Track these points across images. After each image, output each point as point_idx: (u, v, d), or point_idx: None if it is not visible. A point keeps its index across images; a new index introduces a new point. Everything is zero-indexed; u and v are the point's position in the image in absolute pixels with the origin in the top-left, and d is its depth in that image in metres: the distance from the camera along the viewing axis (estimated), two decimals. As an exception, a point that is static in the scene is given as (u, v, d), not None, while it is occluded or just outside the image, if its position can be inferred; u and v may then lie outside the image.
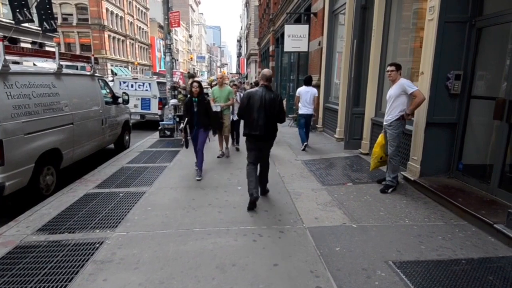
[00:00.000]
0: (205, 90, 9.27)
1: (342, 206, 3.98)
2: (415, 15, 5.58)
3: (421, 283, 2.45)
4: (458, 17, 4.18)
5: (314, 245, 3.05)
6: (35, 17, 13.82)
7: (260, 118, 3.90)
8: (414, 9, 5.64)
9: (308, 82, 7.36)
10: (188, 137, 5.23)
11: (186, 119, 5.03)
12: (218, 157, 6.53)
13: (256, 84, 8.89)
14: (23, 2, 12.36)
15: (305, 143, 7.22)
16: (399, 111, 4.22)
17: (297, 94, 7.42)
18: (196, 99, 4.97)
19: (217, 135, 6.35)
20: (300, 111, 7.24)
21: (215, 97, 6.51)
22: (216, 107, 6.15)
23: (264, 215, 3.75)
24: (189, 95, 5.15)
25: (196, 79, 7.47)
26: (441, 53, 4.23)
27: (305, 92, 7.17)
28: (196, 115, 5.01)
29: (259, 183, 4.07)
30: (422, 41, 4.51)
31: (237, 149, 7.35)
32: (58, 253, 2.91)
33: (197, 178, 5.06)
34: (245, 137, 4.14)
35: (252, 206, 3.87)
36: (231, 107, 6.83)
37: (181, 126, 5.31)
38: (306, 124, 7.31)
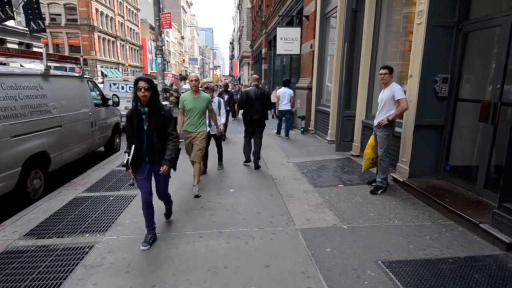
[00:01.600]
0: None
1: (333, 207, 4.02)
2: (404, 19, 5.69)
3: (409, 282, 2.50)
4: (445, 22, 4.28)
5: (306, 246, 3.07)
6: (22, 17, 13.57)
7: (257, 106, 5.64)
8: (403, 13, 5.76)
9: (286, 84, 9.43)
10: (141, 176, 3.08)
11: (133, 146, 2.96)
12: (195, 197, 4.43)
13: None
14: (5, 0, 12.09)
15: (286, 136, 9.10)
16: (387, 115, 4.29)
17: (277, 94, 9.38)
18: (147, 108, 2.93)
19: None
20: (280, 108, 9.20)
21: (188, 108, 4.48)
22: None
23: (256, 217, 3.76)
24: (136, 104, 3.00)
25: (187, 81, 7.43)
26: (429, 56, 4.32)
27: (283, 93, 9.13)
28: (147, 137, 2.96)
29: (253, 158, 5.90)
30: (411, 44, 4.60)
31: (221, 166, 5.90)
32: (47, 258, 2.86)
33: (142, 248, 3.01)
34: (244, 123, 5.89)
35: (247, 163, 6.05)
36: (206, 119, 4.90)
37: (125, 160, 3.02)
38: (285, 118, 9.19)
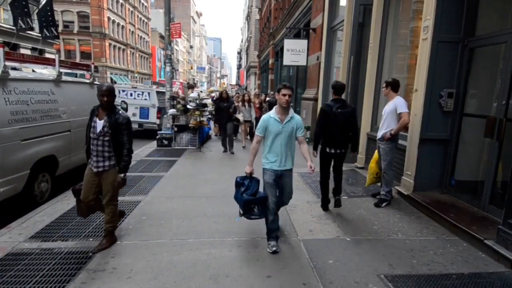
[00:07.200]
0: (204, 101, 9.41)
1: (337, 219, 4.01)
2: (410, 33, 5.75)
3: (412, 298, 2.47)
4: (451, 37, 4.32)
5: (308, 257, 3.06)
6: (36, 24, 14.01)
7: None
8: (409, 27, 5.82)
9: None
10: None
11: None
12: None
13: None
14: (25, 10, 12.57)
15: None
16: (390, 128, 4.30)
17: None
18: None
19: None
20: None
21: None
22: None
23: (259, 227, 3.75)
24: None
25: (196, 89, 7.57)
26: (434, 71, 4.35)
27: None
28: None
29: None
30: (417, 58, 4.64)
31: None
32: (51, 261, 2.90)
33: None
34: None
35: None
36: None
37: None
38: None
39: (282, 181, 3.28)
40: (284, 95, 3.08)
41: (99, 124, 3.10)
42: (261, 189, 3.33)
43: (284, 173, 3.25)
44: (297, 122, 3.21)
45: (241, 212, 3.27)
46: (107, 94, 3.04)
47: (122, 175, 3.14)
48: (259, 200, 3.22)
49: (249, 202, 3.20)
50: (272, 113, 3.18)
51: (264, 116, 3.24)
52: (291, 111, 3.22)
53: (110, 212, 3.24)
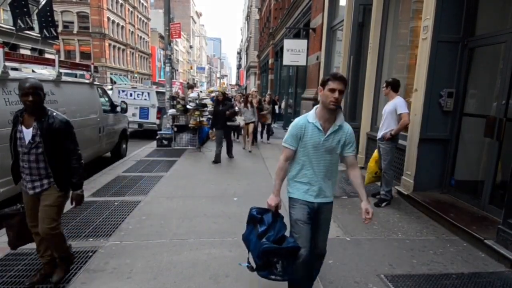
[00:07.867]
0: (204, 101, 9.39)
1: (337, 219, 4.00)
2: (410, 33, 5.76)
3: (412, 298, 2.47)
4: (451, 37, 4.33)
5: (308, 257, 3.06)
6: (36, 24, 14.01)
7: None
8: (409, 27, 5.83)
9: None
10: None
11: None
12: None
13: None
14: (25, 10, 12.58)
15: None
16: (390, 128, 4.30)
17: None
18: None
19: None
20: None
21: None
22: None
23: (258, 226, 3.76)
24: None
25: (195, 89, 7.44)
26: (434, 71, 4.35)
27: None
28: None
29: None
30: (417, 58, 4.64)
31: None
32: (51, 261, 2.89)
33: None
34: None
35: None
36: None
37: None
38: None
39: (318, 219, 2.18)
40: (333, 90, 1.97)
41: (27, 133, 2.38)
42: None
43: (322, 207, 2.18)
44: (347, 134, 2.13)
45: (253, 265, 2.14)
46: (32, 93, 2.28)
47: (79, 191, 2.54)
48: (287, 251, 2.01)
49: (271, 253, 2.00)
50: (311, 117, 2.09)
51: (298, 121, 2.15)
52: (341, 117, 2.13)
53: (53, 242, 2.50)
